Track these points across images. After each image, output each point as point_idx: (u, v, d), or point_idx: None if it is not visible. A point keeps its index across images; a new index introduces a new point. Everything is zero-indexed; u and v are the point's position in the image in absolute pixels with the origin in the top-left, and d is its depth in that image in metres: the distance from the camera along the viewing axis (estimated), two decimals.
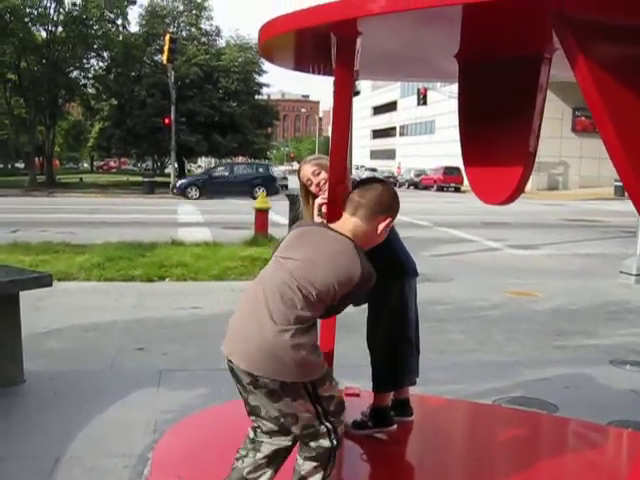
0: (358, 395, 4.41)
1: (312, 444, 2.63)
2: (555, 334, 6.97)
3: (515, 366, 5.83)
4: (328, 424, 2.60)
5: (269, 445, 2.74)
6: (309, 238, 2.69)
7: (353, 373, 5.24)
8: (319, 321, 3.01)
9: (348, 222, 2.69)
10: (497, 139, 2.85)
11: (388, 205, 2.75)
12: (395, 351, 3.77)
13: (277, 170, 50.62)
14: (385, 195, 2.73)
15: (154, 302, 8.10)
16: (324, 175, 3.48)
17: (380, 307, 3.74)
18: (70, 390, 5.00)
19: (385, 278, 3.63)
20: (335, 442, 2.64)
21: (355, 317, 6.93)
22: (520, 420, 4.36)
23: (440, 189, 48.77)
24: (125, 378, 5.29)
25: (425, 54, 2.92)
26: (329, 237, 2.65)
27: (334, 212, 2.82)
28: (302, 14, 2.39)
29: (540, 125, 2.81)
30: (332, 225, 2.74)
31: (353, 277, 2.54)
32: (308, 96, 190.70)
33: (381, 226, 2.72)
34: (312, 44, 2.70)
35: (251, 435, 2.77)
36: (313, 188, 3.54)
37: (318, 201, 3.30)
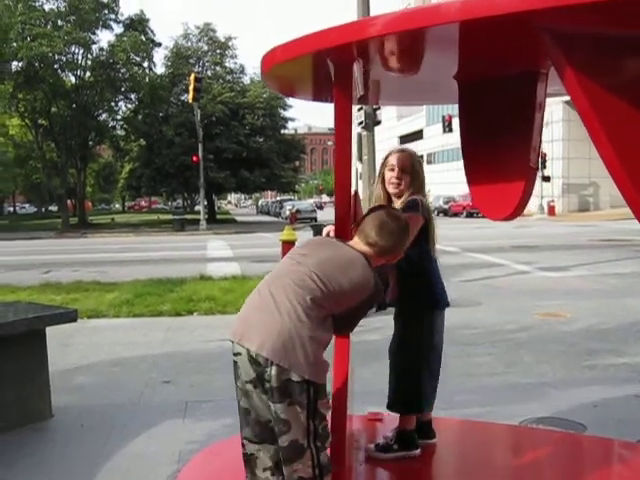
0: (381, 420, 4.41)
1: (287, 470, 2.57)
2: (585, 354, 6.88)
3: (543, 387, 5.77)
4: (313, 447, 2.54)
5: (263, 457, 2.69)
6: (325, 244, 2.79)
7: (379, 399, 5.23)
8: (333, 343, 3.03)
9: (361, 246, 2.75)
10: (498, 156, 2.88)
11: (404, 246, 2.87)
12: (420, 377, 3.78)
13: (305, 203, 50.89)
14: (404, 237, 2.84)
15: (182, 336, 8.16)
16: (396, 173, 3.58)
17: (410, 334, 3.75)
18: (97, 424, 5.05)
19: (419, 308, 3.70)
20: (319, 472, 2.56)
21: (380, 344, 6.95)
22: (546, 440, 4.30)
23: (470, 215, 48.50)
24: (152, 410, 5.33)
25: (424, 77, 2.96)
26: (345, 247, 2.75)
27: (342, 231, 2.85)
28: (299, 42, 2.46)
29: (540, 141, 2.84)
30: (348, 242, 2.80)
31: (367, 287, 2.60)
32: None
33: (391, 259, 2.84)
34: (312, 71, 2.76)
35: (243, 451, 2.73)
36: (386, 180, 3.67)
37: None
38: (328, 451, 2.63)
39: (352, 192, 3.04)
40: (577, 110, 2.09)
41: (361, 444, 4.03)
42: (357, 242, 2.77)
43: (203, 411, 5.24)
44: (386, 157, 3.67)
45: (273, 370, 2.48)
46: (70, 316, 5.21)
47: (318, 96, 3.44)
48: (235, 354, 2.60)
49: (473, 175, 3.05)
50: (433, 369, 3.84)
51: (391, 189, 3.64)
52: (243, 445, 2.67)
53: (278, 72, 2.81)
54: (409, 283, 3.66)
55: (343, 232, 2.82)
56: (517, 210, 2.85)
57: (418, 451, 3.87)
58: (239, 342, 2.57)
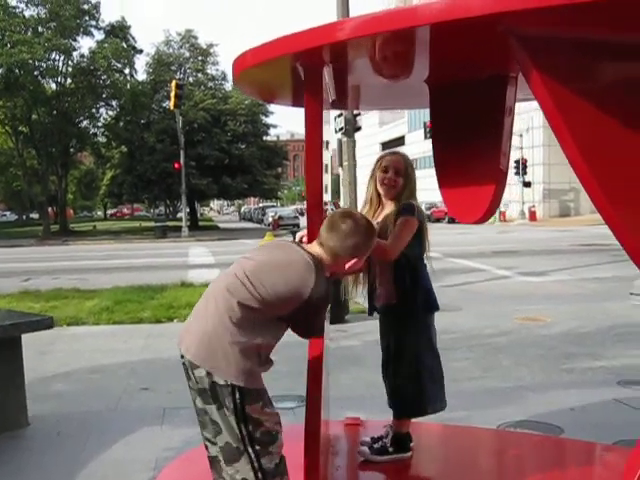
0: (359, 425, 4.41)
1: (228, 469, 2.57)
2: (563, 357, 6.92)
3: (521, 391, 5.79)
4: (251, 451, 2.52)
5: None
6: (274, 246, 2.76)
7: (357, 404, 5.25)
8: (307, 352, 3.02)
9: (316, 248, 2.69)
10: (469, 160, 2.90)
11: (355, 247, 2.67)
12: (421, 380, 3.80)
13: (288, 210, 50.87)
14: (352, 238, 2.65)
15: (162, 343, 8.11)
16: (389, 174, 3.57)
17: (409, 338, 3.76)
18: (74, 431, 5.01)
19: (416, 311, 3.73)
20: (262, 476, 2.54)
21: (360, 350, 6.96)
22: (523, 443, 4.33)
23: (452, 221, 48.62)
24: (129, 417, 5.31)
25: (395, 81, 2.98)
26: (292, 249, 2.68)
27: (312, 235, 2.84)
28: (269, 46, 2.46)
29: (510, 146, 2.86)
30: (304, 244, 2.78)
31: (302, 292, 2.51)
32: None
33: (347, 264, 2.70)
34: (283, 75, 2.76)
35: (207, 454, 2.73)
36: (378, 181, 3.66)
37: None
38: (276, 455, 2.59)
39: (328, 199, 3.06)
40: (543, 112, 2.11)
41: (338, 449, 4.04)
42: (313, 245, 2.74)
43: (181, 417, 5.21)
44: (379, 159, 3.68)
45: (199, 372, 2.53)
46: (46, 323, 5.17)
47: (293, 101, 3.44)
48: (181, 357, 2.62)
49: (444, 179, 3.06)
50: (433, 371, 3.87)
51: (383, 190, 3.63)
52: (206, 447, 2.67)
53: (250, 77, 2.82)
54: (404, 286, 3.69)
55: (315, 237, 2.81)
56: (487, 213, 2.87)
57: (410, 454, 3.88)
58: (179, 345, 2.63)
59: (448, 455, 4.18)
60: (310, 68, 2.55)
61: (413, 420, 4.05)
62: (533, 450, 4.20)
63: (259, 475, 2.55)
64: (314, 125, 2.70)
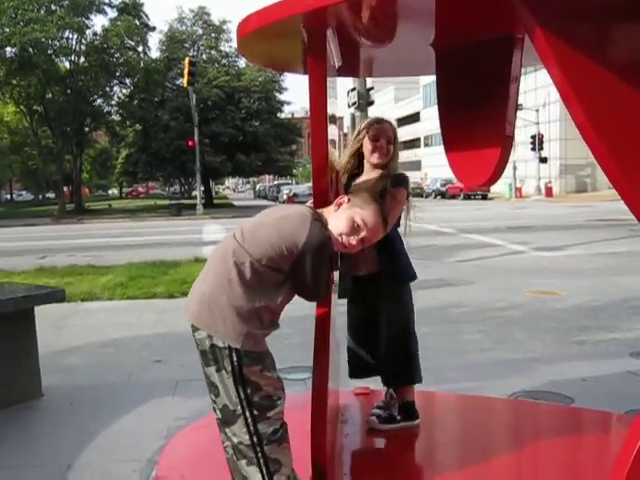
0: (368, 394, 4.42)
1: (227, 431, 2.58)
2: (576, 330, 6.90)
3: (532, 363, 5.77)
4: (249, 414, 2.53)
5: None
6: (275, 208, 2.74)
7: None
8: (314, 321, 3.01)
9: (330, 209, 2.69)
10: (474, 124, 2.87)
11: (375, 221, 2.67)
12: (411, 348, 3.83)
13: (302, 187, 50.85)
14: (378, 216, 2.66)
15: (175, 317, 8.14)
16: (383, 143, 3.57)
17: (398, 306, 3.78)
18: (86, 402, 5.06)
19: (401, 280, 3.75)
20: (257, 440, 2.54)
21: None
22: (532, 412, 4.33)
23: (467, 197, 48.57)
24: (141, 389, 5.35)
25: (402, 45, 2.95)
26: (292, 206, 2.69)
27: (319, 200, 2.83)
28: (272, 8, 2.44)
29: (515, 113, 2.83)
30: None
31: (296, 241, 2.47)
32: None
33: (353, 240, 2.64)
34: (287, 40, 2.73)
35: (216, 416, 2.71)
36: (367, 148, 3.62)
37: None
38: (275, 421, 2.58)
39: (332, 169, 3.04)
40: (548, 72, 2.08)
41: (347, 418, 4.05)
42: (328, 207, 2.74)
43: (193, 389, 5.23)
44: (367, 126, 3.64)
45: (199, 335, 2.55)
46: (58, 296, 5.20)
47: (299, 68, 3.41)
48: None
49: (450, 143, 3.04)
50: (416, 338, 3.88)
51: (374, 158, 3.60)
52: (214, 410, 2.68)
53: (255, 42, 2.79)
54: (389, 257, 3.68)
55: (321, 205, 2.79)
56: (493, 177, 2.85)
57: (418, 421, 3.90)
58: (184, 312, 2.64)
59: (457, 424, 4.19)
60: (313, 31, 2.53)
61: (421, 389, 4.07)
62: (543, 418, 4.21)
63: (254, 439, 2.54)
64: (319, 91, 2.67)
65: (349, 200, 2.70)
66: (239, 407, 2.53)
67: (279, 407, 2.61)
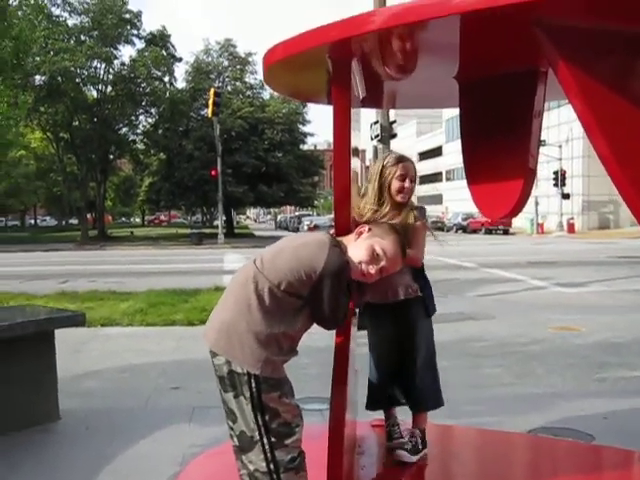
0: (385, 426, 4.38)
1: (244, 458, 2.56)
2: (596, 367, 6.81)
3: (552, 398, 5.71)
4: (266, 441, 2.51)
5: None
6: (294, 235, 2.76)
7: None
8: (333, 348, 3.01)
9: (350, 238, 2.71)
10: (497, 156, 2.88)
11: (395, 253, 2.71)
12: (436, 375, 3.87)
13: (323, 219, 50.98)
14: (397, 246, 2.71)
15: (193, 345, 8.15)
16: (408, 183, 3.58)
17: (425, 332, 3.82)
18: (103, 426, 5.07)
19: (421, 315, 3.79)
20: (274, 467, 2.52)
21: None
22: (552, 448, 4.26)
23: (488, 232, 48.38)
24: (158, 415, 5.34)
25: (425, 77, 2.98)
26: (311, 234, 2.71)
27: (340, 228, 2.85)
28: (299, 38, 2.48)
29: (538, 146, 2.84)
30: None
31: (315, 266, 2.49)
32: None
33: (372, 270, 2.66)
34: (312, 69, 2.77)
35: (232, 443, 2.70)
36: (393, 188, 3.62)
37: None
38: (293, 449, 2.57)
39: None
40: (571, 104, 2.09)
41: (364, 449, 4.01)
42: (350, 236, 2.75)
43: (210, 416, 5.22)
44: (392, 165, 3.64)
45: (217, 360, 2.56)
46: (78, 319, 5.24)
47: (323, 98, 3.45)
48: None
49: (473, 174, 3.05)
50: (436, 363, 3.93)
51: (401, 198, 3.63)
52: (231, 437, 2.67)
53: (280, 72, 2.83)
54: (420, 281, 3.75)
55: (342, 230, 2.81)
56: (515, 209, 2.85)
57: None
58: (203, 338, 2.66)
59: (475, 458, 4.14)
60: (338, 61, 2.56)
61: (440, 422, 4.04)
62: (563, 455, 4.13)
63: (271, 466, 2.53)
64: (343, 122, 2.69)
65: (369, 230, 2.72)
66: (257, 434, 2.52)
67: (297, 435, 2.59)
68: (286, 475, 2.54)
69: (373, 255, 2.64)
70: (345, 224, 2.87)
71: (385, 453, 3.98)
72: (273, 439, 2.53)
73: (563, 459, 4.10)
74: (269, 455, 2.53)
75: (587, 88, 2.02)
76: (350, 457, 3.38)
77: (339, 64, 2.58)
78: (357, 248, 2.66)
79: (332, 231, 3.10)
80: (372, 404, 3.99)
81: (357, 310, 3.48)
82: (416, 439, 3.88)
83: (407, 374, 3.83)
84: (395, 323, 3.80)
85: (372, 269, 2.64)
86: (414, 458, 3.81)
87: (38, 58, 37.61)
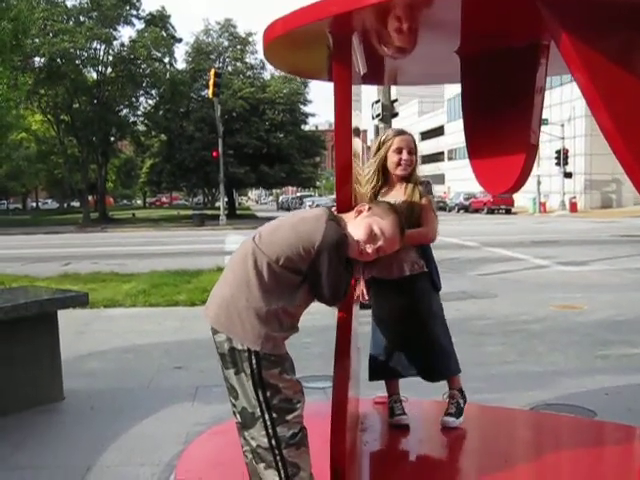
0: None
1: (246, 434, 2.58)
2: (599, 344, 6.82)
3: (554, 375, 5.72)
4: (268, 417, 2.52)
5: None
6: (295, 211, 2.76)
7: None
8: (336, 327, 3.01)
9: (350, 215, 2.71)
10: (499, 131, 2.86)
11: (393, 233, 2.70)
12: (450, 337, 3.96)
13: (325, 199, 50.91)
14: (397, 227, 2.71)
15: (196, 325, 8.17)
16: (406, 155, 3.59)
17: (437, 299, 3.92)
18: (106, 406, 5.09)
19: (429, 288, 3.86)
20: (275, 443, 2.54)
21: None
22: (553, 424, 4.28)
23: (490, 211, 48.35)
24: (161, 394, 5.36)
25: (427, 52, 2.95)
26: (309, 210, 2.70)
27: (342, 203, 2.83)
28: (299, 13, 2.45)
29: (540, 122, 2.81)
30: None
31: (313, 240, 2.49)
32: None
33: (370, 249, 2.65)
34: (313, 45, 2.74)
35: (235, 421, 2.71)
36: (390, 161, 3.64)
37: None
38: (294, 424, 2.57)
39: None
40: (573, 77, 2.07)
41: (366, 426, 4.03)
42: (349, 213, 2.75)
43: (213, 395, 5.24)
44: (388, 139, 3.65)
45: (218, 337, 2.57)
46: (81, 300, 5.25)
47: (324, 75, 3.42)
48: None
49: (475, 150, 3.03)
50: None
51: (400, 171, 3.63)
52: (234, 414, 2.67)
53: (280, 48, 2.81)
54: (425, 254, 3.79)
55: (344, 205, 2.79)
56: (516, 185, 2.84)
57: None
58: (204, 316, 2.67)
59: (478, 434, 4.15)
60: (338, 36, 2.53)
61: (442, 400, 4.06)
62: (565, 431, 4.16)
63: (273, 442, 2.54)
64: (343, 96, 2.67)
65: (369, 209, 2.71)
66: (258, 410, 2.53)
67: (298, 410, 2.60)
68: (287, 451, 2.55)
69: (371, 234, 2.63)
70: (347, 202, 2.85)
71: (387, 429, 4.00)
72: (274, 415, 2.54)
73: (565, 435, 4.12)
74: (270, 431, 2.54)
75: (590, 61, 2.00)
76: (353, 434, 3.40)
77: (339, 39, 2.56)
78: (355, 227, 2.65)
79: (334, 209, 3.09)
80: (374, 374, 4.03)
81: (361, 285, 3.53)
82: (457, 400, 3.99)
83: (420, 346, 3.86)
84: (401, 296, 3.81)
85: (369, 248, 2.63)
86: (459, 420, 3.93)
87: (37, 40, 37.42)
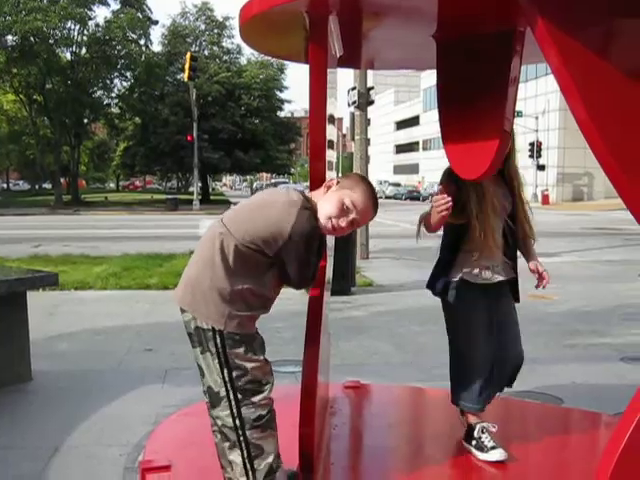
0: (358, 387, 4.43)
1: (213, 413, 2.59)
2: (567, 334, 6.92)
3: (524, 364, 5.75)
4: (233, 398, 2.52)
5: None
6: (261, 192, 2.74)
7: (356, 370, 5.27)
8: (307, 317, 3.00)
9: (319, 192, 2.67)
10: (473, 117, 2.86)
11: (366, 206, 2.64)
12: None
13: (300, 186, 50.85)
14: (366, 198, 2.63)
15: (167, 308, 8.11)
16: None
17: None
18: (75, 387, 5.06)
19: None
20: (239, 423, 2.54)
21: (364, 320, 6.98)
22: (521, 411, 4.34)
23: None
24: (131, 376, 5.34)
25: (404, 36, 2.95)
26: (278, 191, 2.64)
27: (315, 184, 2.81)
28: None
29: (514, 112, 2.82)
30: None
31: (282, 227, 2.44)
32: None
33: (343, 223, 2.60)
34: (289, 25, 2.73)
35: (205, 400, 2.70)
36: None
37: None
38: (261, 407, 2.57)
39: (333, 176, 3.02)
40: (548, 63, 2.08)
41: (336, 410, 4.05)
42: (318, 190, 2.70)
43: (183, 377, 5.23)
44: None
45: (185, 317, 2.58)
46: (51, 280, 5.21)
47: (300, 57, 3.40)
48: None
49: (448, 134, 3.03)
50: None
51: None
52: (204, 392, 2.67)
53: (256, 27, 2.78)
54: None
55: (317, 186, 2.77)
56: (489, 171, 2.84)
57: None
58: (173, 295, 2.68)
59: (446, 419, 4.17)
60: (315, 16, 2.52)
61: (412, 385, 4.08)
62: (531, 417, 4.22)
63: (237, 422, 2.54)
64: (319, 81, 2.66)
65: (338, 182, 2.67)
66: (223, 389, 2.53)
67: (266, 392, 2.59)
68: (252, 432, 2.55)
69: (342, 208, 2.57)
70: (320, 177, 2.84)
71: (356, 414, 4.03)
72: (239, 396, 2.53)
73: (531, 421, 4.18)
74: (235, 411, 2.53)
75: (564, 46, 2.00)
76: (322, 417, 3.41)
77: (316, 19, 2.54)
78: (326, 202, 2.59)
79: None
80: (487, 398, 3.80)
81: (330, 275, 3.48)
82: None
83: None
84: (497, 301, 3.87)
85: (343, 222, 2.57)
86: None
87: (10, 17, 36.75)
